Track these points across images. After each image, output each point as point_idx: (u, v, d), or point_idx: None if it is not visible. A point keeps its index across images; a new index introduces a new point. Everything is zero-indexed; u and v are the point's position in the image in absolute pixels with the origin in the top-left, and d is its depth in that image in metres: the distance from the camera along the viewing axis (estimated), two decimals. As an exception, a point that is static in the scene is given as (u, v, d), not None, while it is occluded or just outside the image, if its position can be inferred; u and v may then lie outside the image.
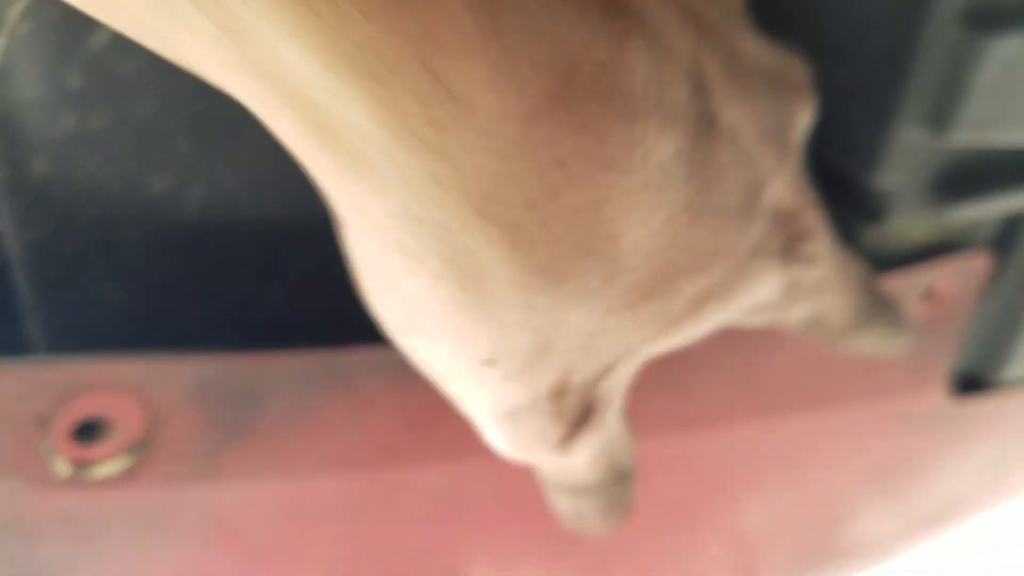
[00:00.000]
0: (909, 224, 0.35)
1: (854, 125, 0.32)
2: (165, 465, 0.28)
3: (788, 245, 0.23)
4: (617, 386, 0.23)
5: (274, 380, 0.28)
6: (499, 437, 0.23)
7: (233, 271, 0.29)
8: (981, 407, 0.43)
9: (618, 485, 0.27)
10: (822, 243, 0.24)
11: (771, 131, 0.21)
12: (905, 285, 0.36)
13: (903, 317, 0.31)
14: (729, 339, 0.34)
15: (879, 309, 0.29)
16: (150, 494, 0.28)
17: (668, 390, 0.34)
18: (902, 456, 0.43)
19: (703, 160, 0.19)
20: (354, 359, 0.28)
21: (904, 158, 0.32)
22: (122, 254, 0.28)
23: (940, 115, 0.30)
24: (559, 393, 0.21)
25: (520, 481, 0.34)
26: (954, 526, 0.58)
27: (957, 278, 0.37)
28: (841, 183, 0.34)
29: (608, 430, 0.24)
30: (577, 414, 0.22)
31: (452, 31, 0.14)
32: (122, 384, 0.26)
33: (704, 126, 0.19)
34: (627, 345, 0.21)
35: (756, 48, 0.22)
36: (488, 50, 0.15)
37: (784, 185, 0.22)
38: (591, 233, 0.18)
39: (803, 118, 0.23)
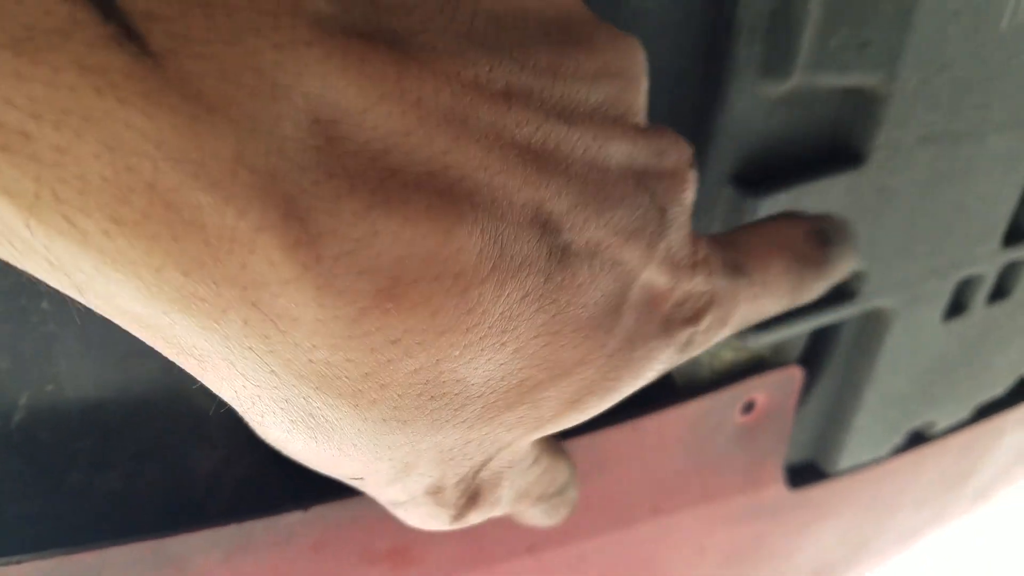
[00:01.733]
0: (719, 347, 0.38)
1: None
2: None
3: (668, 318, 0.23)
4: (503, 467, 0.24)
5: (109, 569, 0.29)
6: (399, 516, 0.24)
7: (68, 461, 0.31)
8: (823, 491, 0.46)
9: (557, 496, 0.28)
10: (706, 296, 0.24)
11: (639, 228, 0.21)
12: (726, 400, 0.39)
13: (842, 232, 0.29)
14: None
15: (815, 263, 0.28)
16: None
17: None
18: (753, 544, 0.46)
19: (557, 289, 0.19)
20: (186, 540, 0.30)
21: (701, 300, 0.35)
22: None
23: (725, 264, 0.33)
24: (436, 491, 0.23)
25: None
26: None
27: (774, 390, 0.40)
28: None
29: (503, 501, 0.25)
30: (463, 502, 0.24)
31: (271, 271, 0.15)
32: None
33: (555, 259, 0.19)
34: (498, 444, 0.22)
35: (627, 147, 0.21)
36: (308, 277, 0.16)
37: (655, 269, 0.22)
38: (434, 383, 0.19)
39: (682, 197, 0.23)
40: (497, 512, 0.25)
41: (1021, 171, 0.38)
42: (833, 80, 0.31)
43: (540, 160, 0.19)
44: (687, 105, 0.31)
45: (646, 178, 0.21)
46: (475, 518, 0.24)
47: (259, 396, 0.18)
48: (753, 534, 0.46)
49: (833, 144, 0.34)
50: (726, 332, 0.26)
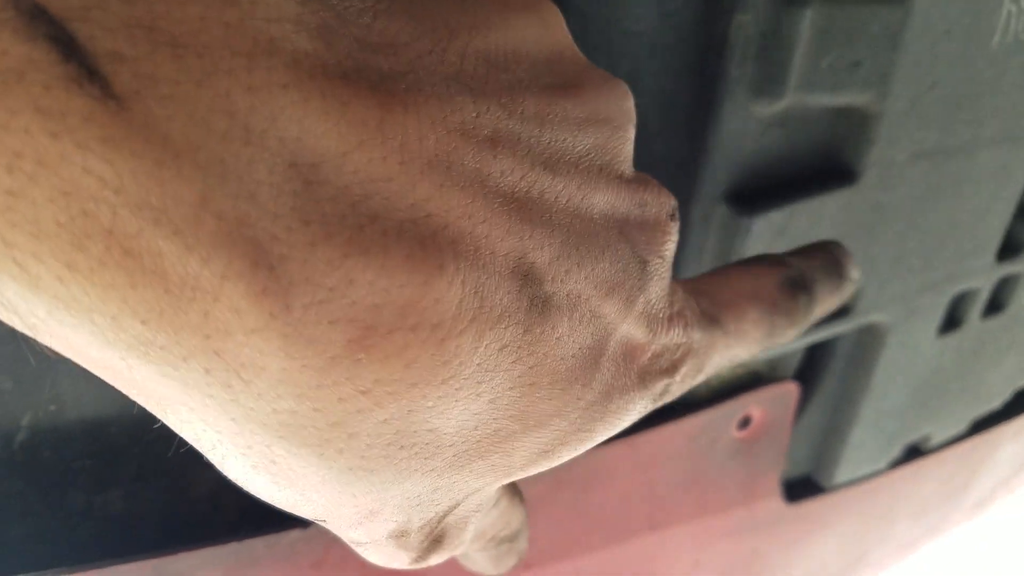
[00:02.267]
0: (717, 365, 0.38)
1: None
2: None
3: (645, 371, 0.22)
4: (470, 512, 0.23)
5: (110, 587, 0.30)
6: (360, 554, 0.24)
7: (71, 480, 0.31)
8: (820, 505, 0.46)
9: (508, 542, 0.28)
10: (682, 348, 0.24)
11: (618, 282, 0.20)
12: (722, 416, 0.39)
13: (838, 267, 0.29)
14: (556, 479, 0.36)
15: (787, 312, 0.27)
16: None
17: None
18: (750, 556, 0.46)
19: (536, 341, 0.19)
20: (187, 558, 0.30)
21: (697, 317, 0.35)
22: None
23: (720, 282, 0.34)
24: (400, 535, 0.22)
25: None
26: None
27: (771, 405, 0.40)
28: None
29: (464, 543, 0.25)
30: (426, 545, 0.23)
31: (237, 320, 0.15)
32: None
33: (536, 311, 0.19)
34: (466, 491, 0.21)
35: (611, 197, 0.20)
36: (276, 326, 0.15)
37: (633, 323, 0.21)
38: (404, 433, 0.18)
39: (663, 249, 0.22)
40: (457, 553, 0.25)
41: (1014, 186, 0.38)
42: (825, 100, 0.31)
43: (524, 209, 0.18)
44: (680, 125, 0.31)
45: (628, 229, 0.21)
46: (436, 560, 0.24)
47: (220, 441, 0.17)
48: (750, 548, 0.46)
49: (826, 162, 0.34)
50: (700, 379, 0.25)
